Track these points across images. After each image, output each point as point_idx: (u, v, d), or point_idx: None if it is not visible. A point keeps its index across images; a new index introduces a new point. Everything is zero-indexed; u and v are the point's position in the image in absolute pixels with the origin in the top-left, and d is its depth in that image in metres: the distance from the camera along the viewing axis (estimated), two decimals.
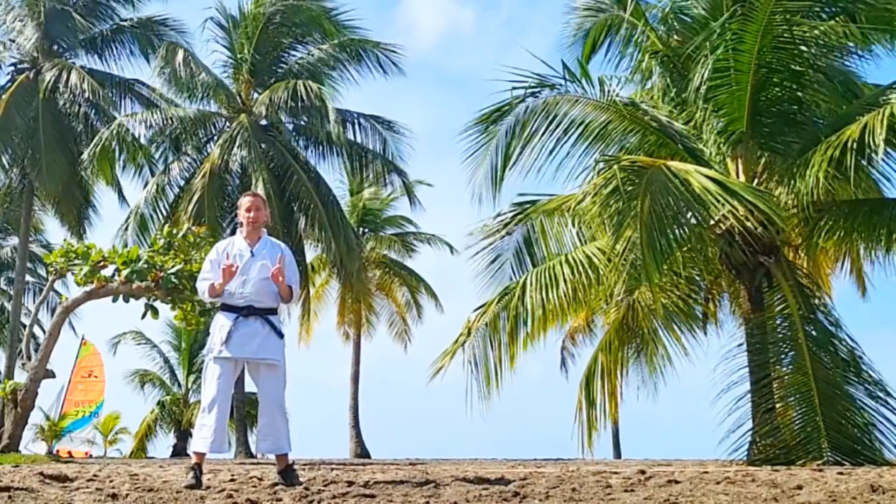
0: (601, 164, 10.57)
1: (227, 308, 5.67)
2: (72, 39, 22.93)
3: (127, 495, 4.58)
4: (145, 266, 12.21)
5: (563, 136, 11.41)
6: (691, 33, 11.51)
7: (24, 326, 18.22)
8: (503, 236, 12.69)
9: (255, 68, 21.13)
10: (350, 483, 5.49)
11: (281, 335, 5.71)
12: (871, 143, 9.38)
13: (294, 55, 21.94)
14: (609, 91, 11.65)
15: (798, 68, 10.65)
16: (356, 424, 27.67)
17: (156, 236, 13.69)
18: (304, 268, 21.95)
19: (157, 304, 12.79)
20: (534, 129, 11.49)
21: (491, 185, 11.94)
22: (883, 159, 10.09)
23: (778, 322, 10.59)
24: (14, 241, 28.97)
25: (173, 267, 12.23)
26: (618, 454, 27.53)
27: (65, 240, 15.52)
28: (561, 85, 11.72)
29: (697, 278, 11.96)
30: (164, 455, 26.19)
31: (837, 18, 10.83)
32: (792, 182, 10.54)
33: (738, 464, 9.79)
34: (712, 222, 10.15)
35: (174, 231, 13.20)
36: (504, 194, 12.34)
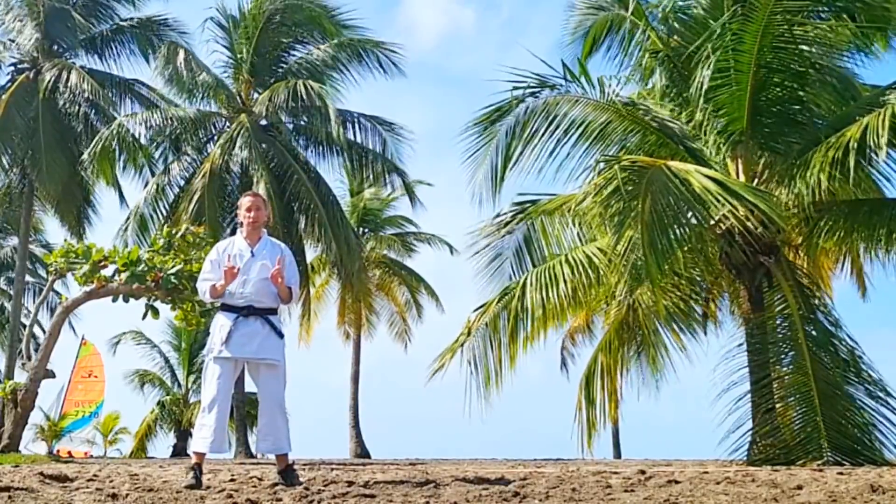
0: (602, 164, 10.57)
1: (227, 308, 5.67)
2: (72, 39, 22.92)
3: (127, 495, 4.58)
4: (145, 269, 12.20)
5: (564, 136, 11.42)
6: (691, 33, 11.51)
7: (24, 326, 18.21)
8: (503, 236, 12.69)
9: (255, 68, 21.13)
10: (350, 483, 5.49)
11: (281, 335, 5.71)
12: (873, 144, 9.39)
13: (294, 55, 21.94)
14: (609, 91, 11.65)
15: (798, 68, 10.66)
16: (356, 424, 27.68)
17: (155, 236, 13.68)
18: (304, 268, 21.94)
19: (158, 304, 12.79)
20: (534, 129, 11.50)
21: (491, 186, 11.95)
22: (884, 160, 10.11)
23: (778, 322, 10.59)
24: (14, 241, 28.98)
25: (173, 267, 12.23)
26: (618, 454, 27.53)
27: (65, 240, 15.52)
28: (561, 85, 11.73)
29: (698, 278, 11.96)
30: (164, 455, 26.20)
31: (837, 18, 10.82)
32: (792, 182, 10.54)
33: (738, 464, 9.79)
34: (712, 222, 10.15)
35: (174, 231, 13.19)
36: (504, 194, 12.36)
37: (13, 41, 22.71)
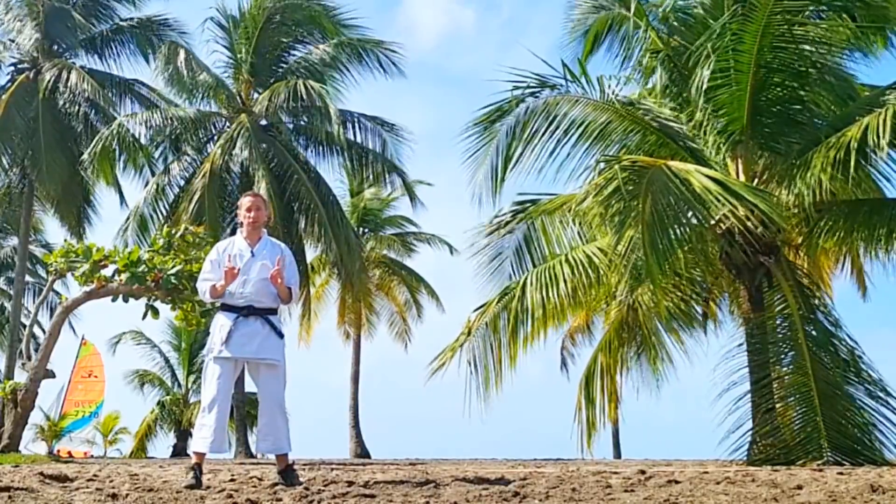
0: (602, 164, 10.58)
1: (227, 308, 5.67)
2: (72, 39, 22.92)
3: (127, 495, 4.58)
4: (146, 269, 12.20)
5: (564, 136, 11.42)
6: (692, 33, 11.51)
7: (24, 326, 18.21)
8: (503, 235, 12.70)
9: (255, 68, 21.13)
10: (350, 483, 5.49)
11: (281, 335, 5.71)
12: (873, 144, 9.39)
13: (294, 55, 21.94)
14: (609, 91, 11.66)
15: (798, 68, 10.66)
16: (356, 424, 27.68)
17: (155, 236, 13.67)
18: (304, 268, 21.94)
19: (158, 304, 12.79)
20: (534, 129, 11.50)
21: (491, 186, 11.95)
22: (884, 160, 10.11)
23: (778, 322, 10.59)
24: (14, 241, 28.97)
25: (173, 267, 12.22)
26: (618, 454, 27.52)
27: (65, 240, 15.51)
28: (561, 85, 11.74)
29: (699, 278, 11.96)
30: (164, 455, 26.20)
31: (837, 18, 10.82)
32: (792, 182, 10.55)
33: (738, 464, 9.78)
34: (713, 222, 10.15)
35: (173, 231, 13.19)
36: (505, 194, 12.35)
37: (13, 41, 22.71)
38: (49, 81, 21.27)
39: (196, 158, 21.26)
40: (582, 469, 8.21)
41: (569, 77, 11.66)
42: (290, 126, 21.81)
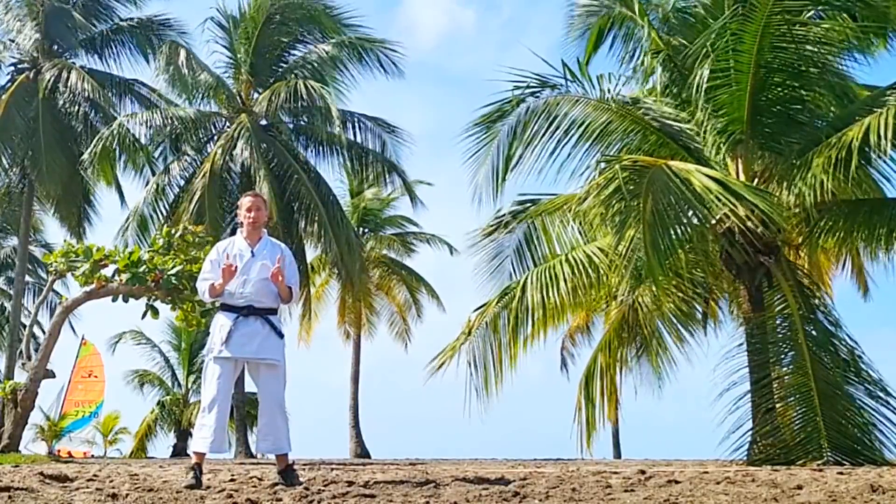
0: (602, 164, 10.58)
1: (227, 308, 5.67)
2: (71, 39, 22.92)
3: (127, 495, 4.58)
4: (146, 270, 12.20)
5: (564, 136, 11.43)
6: (692, 32, 11.51)
7: (24, 326, 18.21)
8: (504, 235, 12.70)
9: (255, 68, 21.13)
10: (350, 483, 5.49)
11: (281, 335, 5.71)
12: (875, 144, 9.39)
13: (294, 54, 21.93)
14: (610, 91, 11.65)
15: (798, 68, 10.65)
16: (356, 424, 27.68)
17: (155, 237, 13.68)
18: (304, 268, 21.95)
19: (158, 304, 12.79)
20: (535, 129, 11.50)
21: (492, 186, 11.96)
22: (885, 160, 10.11)
23: (778, 322, 10.59)
24: (14, 241, 28.96)
25: (173, 268, 12.22)
26: (618, 454, 27.52)
27: (65, 240, 15.51)
28: (562, 85, 11.74)
29: (700, 278, 11.96)
30: (164, 455, 26.20)
31: (838, 18, 10.82)
32: (792, 182, 10.55)
33: (738, 464, 9.78)
34: (713, 222, 10.15)
35: (173, 231, 13.19)
36: (506, 195, 12.35)
37: (13, 41, 22.71)
38: (49, 81, 21.26)
39: (196, 158, 21.26)
40: (582, 469, 8.21)
41: (569, 77, 11.67)
42: (291, 126, 21.82)
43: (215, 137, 21.27)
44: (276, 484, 5.43)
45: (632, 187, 9.33)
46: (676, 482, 5.65)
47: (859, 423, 9.77)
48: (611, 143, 11.43)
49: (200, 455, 5.50)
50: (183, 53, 20.53)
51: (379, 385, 49.04)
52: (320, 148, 21.81)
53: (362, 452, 26.78)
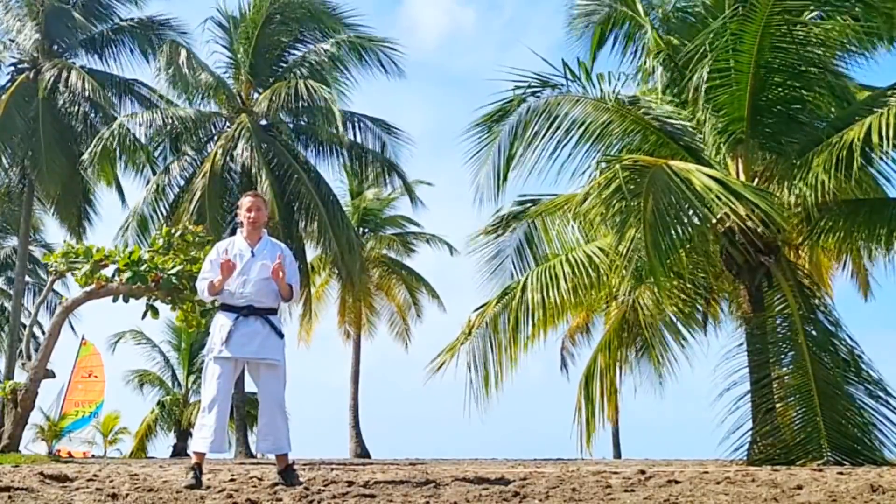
0: (603, 164, 10.58)
1: (227, 308, 5.67)
2: (71, 39, 22.93)
3: (127, 495, 4.58)
4: (147, 269, 12.20)
5: (565, 136, 11.42)
6: (692, 32, 11.50)
7: (24, 326, 18.21)
8: (503, 234, 12.70)
9: (255, 68, 21.13)
10: (350, 483, 5.48)
11: (281, 335, 5.71)
12: (878, 143, 9.39)
13: (294, 54, 21.94)
14: (610, 90, 11.65)
15: (799, 68, 10.65)
16: (356, 424, 27.68)
17: (155, 236, 13.68)
18: (305, 268, 21.95)
19: (158, 304, 12.79)
20: (535, 129, 11.50)
21: (494, 186, 11.96)
22: (885, 160, 10.11)
23: (778, 322, 10.58)
24: (14, 241, 28.96)
25: (173, 267, 12.22)
26: (618, 454, 27.53)
27: (65, 240, 15.52)
28: (562, 85, 11.74)
29: (702, 279, 11.95)
30: (164, 455, 26.20)
31: (838, 18, 10.82)
32: (793, 182, 10.55)
33: (738, 464, 9.78)
34: (714, 221, 10.15)
35: (173, 231, 13.19)
36: (507, 194, 12.36)
37: (13, 41, 22.71)
38: (49, 81, 21.27)
39: (196, 158, 21.27)
40: (582, 469, 8.21)
41: (569, 76, 11.67)
42: (291, 126, 21.82)
43: (215, 137, 21.28)
44: (276, 484, 5.43)
45: (632, 187, 9.33)
46: (676, 482, 5.65)
47: (859, 423, 9.77)
48: (611, 143, 11.43)
49: (200, 455, 5.50)
50: (183, 53, 20.53)
51: (379, 385, 49.09)
52: (320, 148, 21.83)
53: (362, 452, 26.79)
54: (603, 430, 13.36)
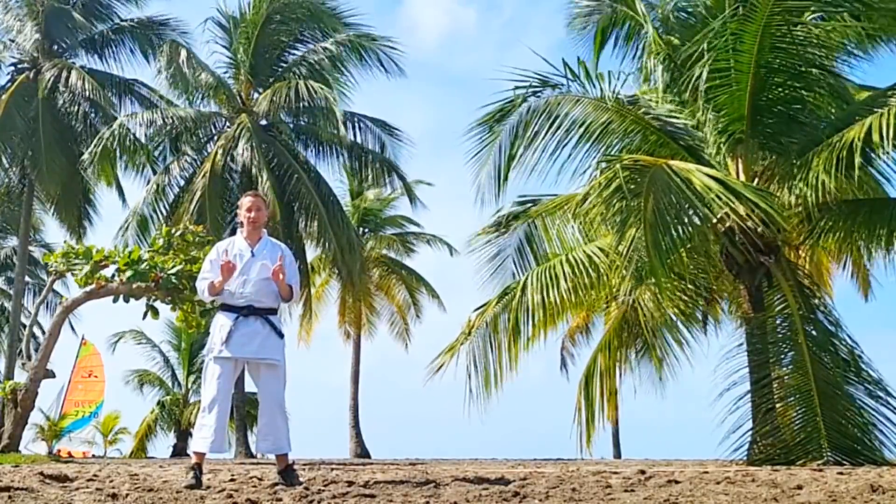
0: (603, 164, 10.58)
1: (227, 308, 5.67)
2: (71, 39, 22.93)
3: (127, 495, 4.58)
4: (147, 268, 12.20)
5: (565, 136, 11.42)
6: (693, 32, 11.50)
7: (24, 326, 18.21)
8: (504, 234, 12.70)
9: (255, 68, 21.13)
10: (350, 483, 5.48)
11: (281, 335, 5.71)
12: (878, 143, 9.39)
13: (294, 54, 21.94)
14: (611, 90, 11.64)
15: (799, 69, 10.65)
16: (356, 424, 27.68)
17: (155, 236, 13.68)
18: (305, 268, 21.95)
19: (158, 304, 12.79)
20: (536, 129, 11.50)
21: (495, 186, 11.96)
22: (883, 160, 10.11)
23: (778, 322, 10.58)
24: (14, 241, 28.96)
25: (173, 267, 12.22)
26: (618, 454, 27.53)
27: (65, 241, 15.53)
28: (563, 84, 11.74)
29: (703, 279, 11.95)
30: (164, 455, 26.19)
31: (839, 18, 10.81)
32: (793, 182, 10.54)
33: (738, 464, 9.78)
34: (714, 221, 10.15)
35: (173, 231, 13.19)
36: (508, 194, 12.36)
37: (13, 41, 22.71)
38: (49, 81, 21.28)
39: (196, 158, 21.27)
40: (582, 469, 8.21)
41: (570, 76, 11.67)
42: (291, 126, 21.83)
43: (215, 137, 21.29)
44: (276, 484, 5.43)
45: (633, 186, 9.33)
46: (676, 482, 5.65)
47: (859, 423, 9.77)
48: (611, 143, 11.43)
49: (200, 455, 5.50)
50: (184, 53, 20.53)
51: (379, 385, 49.11)
52: (320, 148, 21.84)
53: (362, 452, 26.79)
54: (603, 430, 13.37)
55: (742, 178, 11.02)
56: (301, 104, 19.65)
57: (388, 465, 10.21)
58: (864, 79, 11.91)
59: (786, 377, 10.24)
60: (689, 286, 11.84)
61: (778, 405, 10.14)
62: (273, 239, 5.99)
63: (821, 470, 7.51)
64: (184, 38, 22.30)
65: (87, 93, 21.00)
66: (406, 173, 22.15)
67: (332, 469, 8.28)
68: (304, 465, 9.56)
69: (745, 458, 9.99)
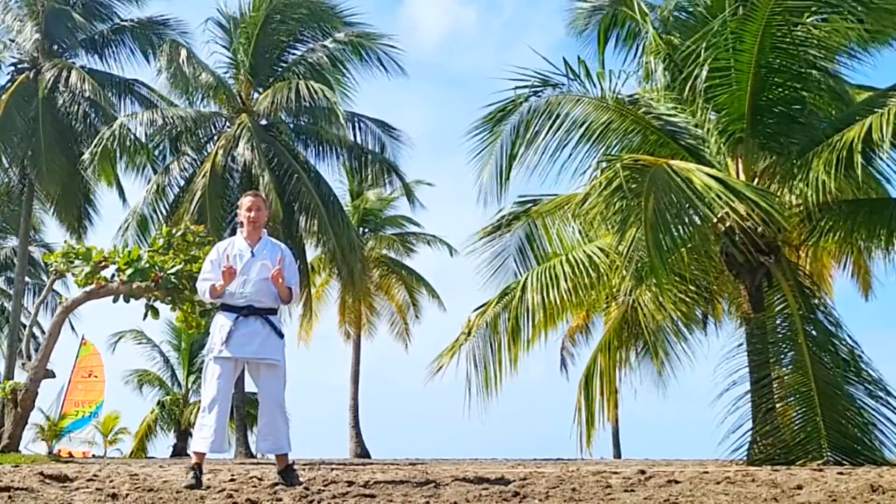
0: (604, 163, 10.58)
1: (227, 308, 5.67)
2: (71, 39, 22.92)
3: (127, 495, 4.58)
4: (147, 266, 12.20)
5: (566, 136, 11.42)
6: (693, 32, 11.50)
7: (24, 326, 18.21)
8: (504, 234, 12.70)
9: (255, 68, 21.13)
10: (350, 483, 5.48)
11: (281, 335, 5.71)
12: (878, 143, 9.38)
13: (294, 54, 21.93)
14: (611, 90, 11.64)
15: (799, 69, 10.64)
16: (356, 424, 27.68)
17: (155, 236, 13.68)
18: (305, 268, 21.95)
19: (157, 304, 12.78)
20: (537, 128, 11.49)
21: (496, 185, 11.96)
22: (883, 160, 10.11)
23: (778, 322, 10.58)
24: (14, 241, 28.96)
25: (173, 267, 12.22)
26: (618, 454, 27.52)
27: (65, 241, 15.51)
28: (563, 84, 11.73)
29: (703, 278, 11.95)
30: (164, 455, 26.19)
31: (840, 19, 10.80)
32: (793, 182, 10.54)
33: (738, 464, 9.78)
34: (714, 221, 10.15)
35: (173, 231, 13.19)
36: (509, 194, 12.36)
37: (13, 41, 22.70)
38: (49, 81, 21.26)
39: (196, 158, 21.27)
40: (582, 469, 8.21)
41: (570, 75, 11.66)
42: (291, 126, 21.82)
43: (215, 137, 21.28)
44: (276, 484, 5.43)
45: (633, 186, 9.33)
46: (676, 482, 5.64)
47: (859, 423, 9.77)
48: (612, 143, 11.42)
49: (200, 455, 5.50)
50: (183, 53, 20.53)
51: (379, 385, 49.11)
52: (320, 148, 21.84)
53: (362, 452, 26.79)
54: (603, 430, 13.37)
55: (742, 177, 11.02)
56: (301, 104, 19.65)
57: (388, 465, 10.21)
58: (865, 79, 11.92)
59: (786, 377, 10.24)
60: (690, 286, 11.84)
61: (778, 405, 10.14)
62: (273, 239, 5.99)
63: (821, 470, 7.51)
64: (184, 38, 22.31)
65: (87, 93, 20.99)
66: (406, 173, 22.21)
67: (332, 469, 8.28)
68: (304, 465, 9.55)
69: (745, 458, 9.99)
